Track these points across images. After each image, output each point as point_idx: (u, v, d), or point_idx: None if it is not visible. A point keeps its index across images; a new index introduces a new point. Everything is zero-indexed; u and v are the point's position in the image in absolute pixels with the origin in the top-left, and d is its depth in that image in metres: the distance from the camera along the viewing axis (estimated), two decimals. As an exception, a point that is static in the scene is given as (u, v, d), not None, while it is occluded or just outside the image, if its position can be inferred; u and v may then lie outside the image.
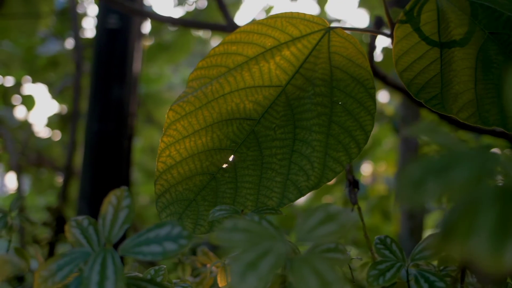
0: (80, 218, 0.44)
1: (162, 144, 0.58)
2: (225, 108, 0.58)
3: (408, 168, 0.22)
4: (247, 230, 0.34)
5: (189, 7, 2.54)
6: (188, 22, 1.19)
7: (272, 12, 2.82)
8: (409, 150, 2.09)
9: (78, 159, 2.11)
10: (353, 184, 0.48)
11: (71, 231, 0.43)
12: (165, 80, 2.90)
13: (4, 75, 2.23)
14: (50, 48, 2.08)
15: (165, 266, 0.53)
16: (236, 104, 0.58)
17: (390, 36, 0.65)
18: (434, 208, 2.71)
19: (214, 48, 0.61)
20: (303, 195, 0.55)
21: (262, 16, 2.88)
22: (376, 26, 0.87)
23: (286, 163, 0.56)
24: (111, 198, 0.42)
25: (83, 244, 0.42)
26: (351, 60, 0.58)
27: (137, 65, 1.50)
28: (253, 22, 0.61)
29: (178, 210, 0.56)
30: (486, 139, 2.18)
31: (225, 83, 0.59)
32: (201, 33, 2.73)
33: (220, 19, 2.41)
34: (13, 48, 2.13)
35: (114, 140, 1.44)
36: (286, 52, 0.59)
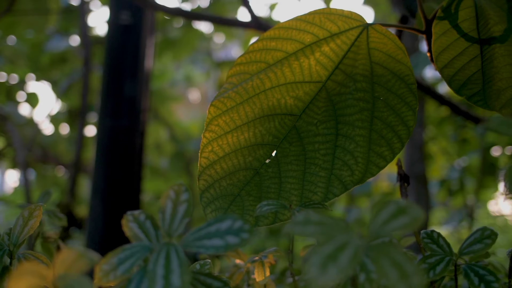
0: (136, 212, 0.44)
1: (204, 139, 0.58)
2: (266, 104, 0.58)
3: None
4: (320, 223, 0.34)
5: (193, 5, 2.54)
6: (211, 18, 1.19)
7: (276, 10, 2.82)
8: (414, 147, 2.10)
9: (84, 155, 2.11)
10: (403, 178, 0.48)
11: (129, 225, 0.43)
12: (168, 77, 2.89)
13: (9, 72, 2.22)
14: (59, 45, 2.07)
15: (209, 261, 0.54)
16: (277, 100, 0.59)
17: (424, 32, 0.66)
18: (437, 204, 2.72)
19: (252, 44, 0.61)
20: (347, 189, 0.55)
21: (266, 13, 2.88)
22: (402, 23, 0.88)
23: (330, 158, 0.56)
24: (170, 193, 0.43)
25: (142, 238, 0.43)
26: (390, 56, 0.59)
27: (149, 61, 1.50)
28: (292, 18, 0.61)
29: (223, 205, 0.56)
30: (491, 136, 2.20)
31: (266, 79, 0.59)
32: (205, 30, 2.73)
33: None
34: (19, 44, 2.12)
35: (126, 136, 1.44)
36: (326, 48, 0.60)
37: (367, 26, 0.60)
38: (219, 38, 2.98)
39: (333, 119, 0.58)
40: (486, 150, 2.20)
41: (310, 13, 0.61)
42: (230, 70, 0.61)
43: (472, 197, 2.28)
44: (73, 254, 0.33)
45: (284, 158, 0.57)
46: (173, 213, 0.42)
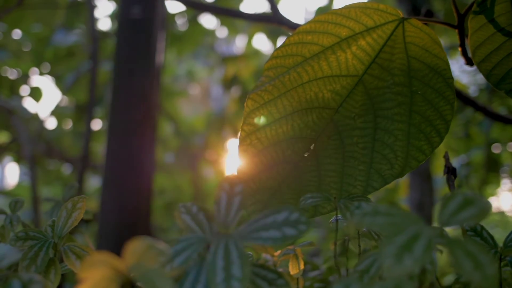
0: (188, 204, 0.44)
1: (242, 132, 0.58)
2: (304, 97, 0.59)
3: None
4: (389, 214, 0.35)
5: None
6: (230, 11, 1.18)
7: (279, 5, 2.81)
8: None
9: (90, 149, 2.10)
10: (451, 171, 0.48)
11: (181, 217, 0.43)
12: (171, 72, 2.89)
13: (13, 66, 2.21)
14: (64, 39, 2.06)
15: (251, 253, 0.54)
16: (315, 93, 0.59)
17: (456, 27, 0.66)
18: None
19: (288, 38, 0.61)
20: (387, 183, 0.55)
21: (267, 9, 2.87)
22: (426, 17, 0.88)
23: (369, 152, 0.57)
24: (224, 185, 0.43)
25: (195, 230, 0.43)
26: (427, 50, 0.59)
27: (160, 55, 1.50)
28: (327, 12, 0.61)
29: (263, 198, 0.56)
30: (495, 132, 2.21)
31: (303, 72, 0.59)
32: (208, 25, 2.72)
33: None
34: (23, 38, 2.11)
35: (138, 131, 1.43)
36: (362, 42, 0.60)
37: (402, 20, 0.60)
38: (222, 33, 2.97)
39: (371, 113, 0.58)
40: (489, 146, 2.21)
41: (345, 7, 0.61)
42: (266, 63, 0.61)
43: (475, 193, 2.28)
44: (143, 245, 0.33)
45: (323, 152, 0.57)
46: (228, 204, 0.42)
